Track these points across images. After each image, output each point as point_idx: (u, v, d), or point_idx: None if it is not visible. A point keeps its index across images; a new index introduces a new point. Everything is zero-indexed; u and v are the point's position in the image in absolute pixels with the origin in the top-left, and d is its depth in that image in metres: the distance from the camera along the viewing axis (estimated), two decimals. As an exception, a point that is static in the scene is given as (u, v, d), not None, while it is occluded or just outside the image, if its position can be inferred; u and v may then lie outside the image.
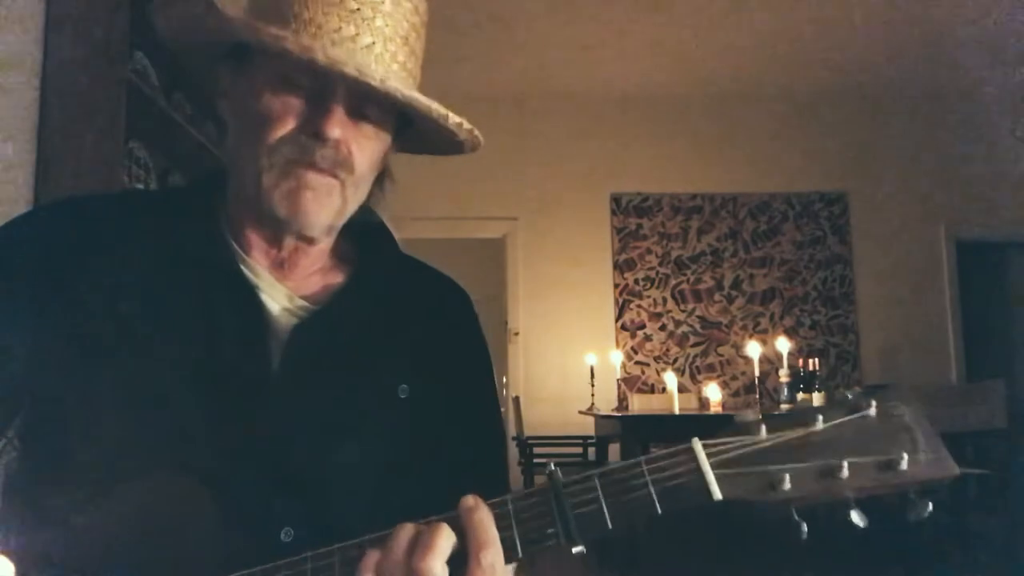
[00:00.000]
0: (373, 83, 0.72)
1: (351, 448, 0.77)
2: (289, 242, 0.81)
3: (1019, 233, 5.64)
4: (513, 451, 4.75)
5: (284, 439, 0.74)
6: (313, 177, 0.75)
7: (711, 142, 5.71)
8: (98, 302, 0.75)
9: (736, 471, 0.60)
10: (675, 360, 5.56)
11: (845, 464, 0.59)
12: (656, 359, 5.56)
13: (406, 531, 0.59)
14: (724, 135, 5.72)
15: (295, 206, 0.75)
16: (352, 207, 0.81)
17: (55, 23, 1.91)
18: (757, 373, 4.43)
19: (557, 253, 5.59)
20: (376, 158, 0.81)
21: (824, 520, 0.63)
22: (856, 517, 0.60)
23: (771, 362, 5.07)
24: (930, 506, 0.59)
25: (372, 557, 0.58)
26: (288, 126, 0.75)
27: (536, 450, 4.70)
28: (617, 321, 5.57)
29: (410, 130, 0.85)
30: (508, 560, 0.59)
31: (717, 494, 0.59)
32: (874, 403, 0.62)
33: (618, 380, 5.32)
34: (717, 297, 5.64)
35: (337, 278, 0.85)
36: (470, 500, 0.60)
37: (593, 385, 5.00)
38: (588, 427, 4.90)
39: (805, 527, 0.60)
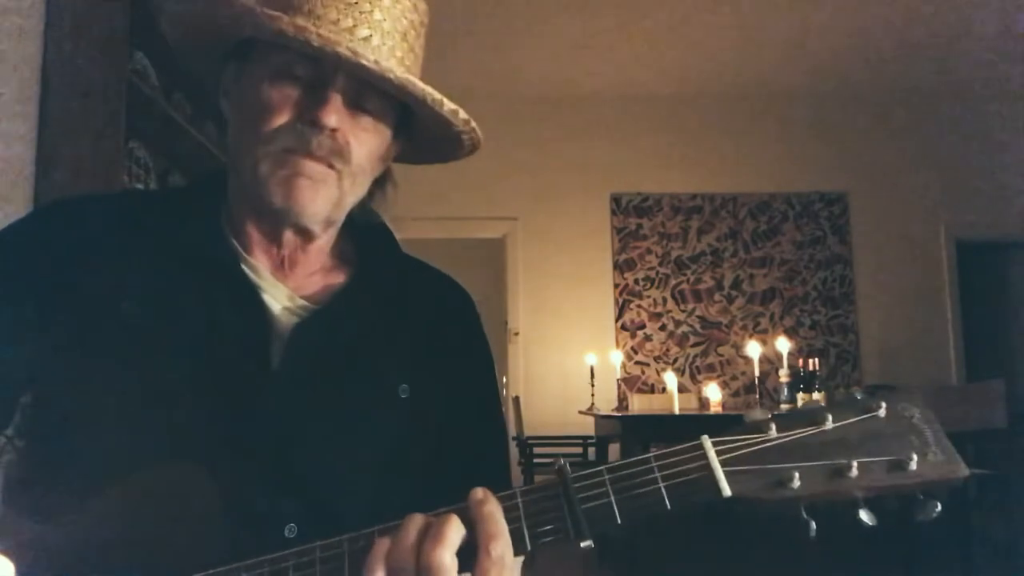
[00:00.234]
0: (366, 63, 0.72)
1: (352, 447, 0.77)
2: (288, 238, 0.81)
3: (1019, 233, 5.64)
4: (513, 451, 4.75)
5: (285, 438, 0.75)
6: (309, 165, 0.75)
7: (711, 142, 5.71)
8: (100, 302, 0.75)
9: (745, 468, 0.61)
10: (675, 360, 5.56)
11: (855, 464, 0.60)
12: (656, 359, 5.56)
13: (416, 521, 0.59)
14: (724, 135, 5.71)
15: (290, 195, 0.75)
16: (349, 201, 0.81)
17: (55, 23, 1.91)
18: (757, 373, 4.43)
19: (557, 253, 5.59)
20: (375, 153, 0.81)
21: (824, 519, 0.63)
22: (865, 516, 0.60)
23: (771, 362, 5.07)
24: (938, 507, 0.59)
25: (382, 547, 0.58)
26: (286, 116, 0.75)
27: (536, 450, 4.70)
28: (617, 321, 5.57)
29: (410, 130, 0.85)
30: (517, 552, 0.59)
31: (727, 491, 0.60)
32: (884, 404, 0.63)
33: (618, 380, 5.32)
34: (717, 297, 5.64)
35: (338, 278, 0.85)
36: (480, 493, 0.60)
37: (593, 385, 5.00)
38: (588, 427, 4.90)
39: (814, 525, 0.60)
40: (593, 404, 4.94)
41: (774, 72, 5.40)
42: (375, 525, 0.61)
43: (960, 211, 5.68)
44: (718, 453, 0.61)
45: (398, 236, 0.92)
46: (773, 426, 0.62)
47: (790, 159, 5.73)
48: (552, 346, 5.49)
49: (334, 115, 0.75)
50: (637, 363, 5.55)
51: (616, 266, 5.63)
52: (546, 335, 5.51)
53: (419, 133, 0.86)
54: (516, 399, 5.21)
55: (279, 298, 0.81)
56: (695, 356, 5.58)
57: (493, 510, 0.59)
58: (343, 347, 0.80)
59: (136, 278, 0.77)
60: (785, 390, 4.10)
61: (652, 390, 5.45)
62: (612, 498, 0.60)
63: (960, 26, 4.73)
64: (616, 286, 5.61)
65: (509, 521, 0.59)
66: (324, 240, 0.84)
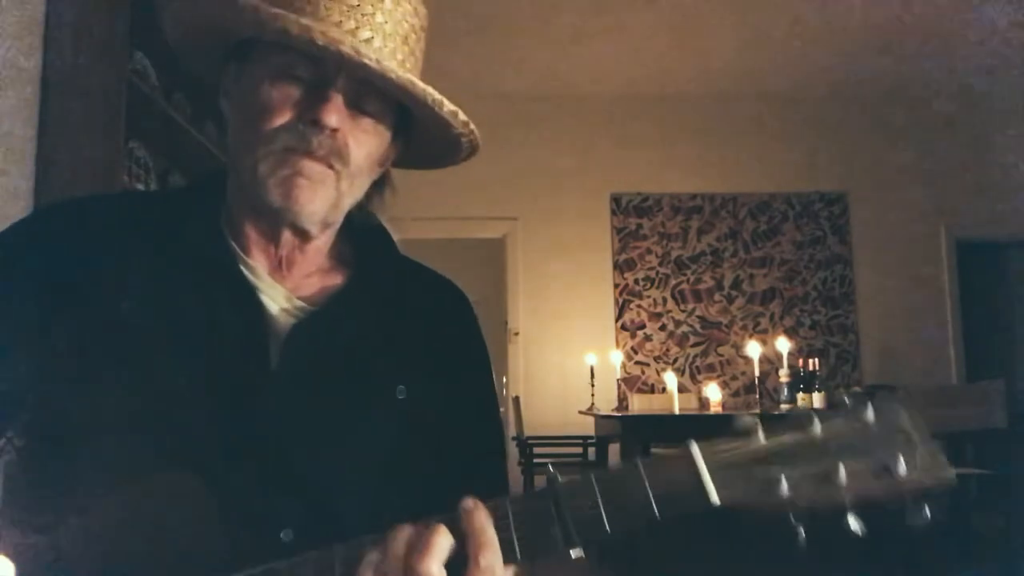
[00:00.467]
0: (368, 62, 0.72)
1: (349, 448, 0.77)
2: (286, 238, 0.81)
3: (1019, 233, 5.64)
4: (513, 451, 4.75)
5: (283, 439, 0.75)
6: (308, 165, 0.75)
7: (711, 142, 5.71)
8: (100, 303, 0.75)
9: (734, 475, 0.60)
10: (675, 360, 5.56)
11: (842, 469, 0.59)
12: (656, 359, 5.56)
13: (404, 532, 0.59)
14: (724, 135, 5.71)
15: (289, 194, 0.76)
16: (347, 202, 0.81)
17: (55, 23, 1.91)
18: (757, 373, 4.43)
19: (557, 253, 5.59)
20: (373, 155, 0.81)
21: (825, 520, 0.63)
22: (853, 524, 0.59)
23: (771, 362, 5.07)
24: (928, 511, 0.59)
25: (371, 558, 0.58)
26: (286, 115, 0.75)
27: (536, 450, 4.70)
28: (617, 321, 5.57)
29: (408, 134, 0.85)
30: (506, 562, 0.59)
31: (715, 499, 0.59)
32: (871, 407, 0.62)
33: (618, 380, 5.31)
34: (717, 297, 5.64)
35: (335, 279, 0.85)
36: (469, 502, 0.60)
37: (593, 385, 5.00)
38: (588, 427, 4.89)
39: (803, 531, 0.60)
40: (593, 404, 4.94)
41: (774, 72, 5.40)
42: (373, 526, 0.61)
43: (960, 211, 5.68)
44: (706, 459, 0.60)
45: (398, 236, 0.92)
46: (761, 432, 0.62)
47: (790, 159, 5.73)
48: (552, 346, 5.49)
49: (335, 115, 0.75)
50: (637, 363, 5.54)
51: (616, 266, 5.63)
52: (546, 335, 5.51)
53: (418, 137, 0.86)
54: (516, 399, 5.21)
55: (277, 299, 0.81)
56: (695, 356, 5.58)
57: (482, 519, 0.59)
58: (340, 348, 0.80)
59: (136, 279, 0.77)
60: (785, 390, 4.11)
61: (652, 390, 5.44)
62: (601, 508, 0.59)
63: (961, 26, 4.73)
64: (616, 286, 5.61)
65: (499, 530, 0.59)
66: (322, 241, 0.84)
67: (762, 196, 5.72)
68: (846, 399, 0.63)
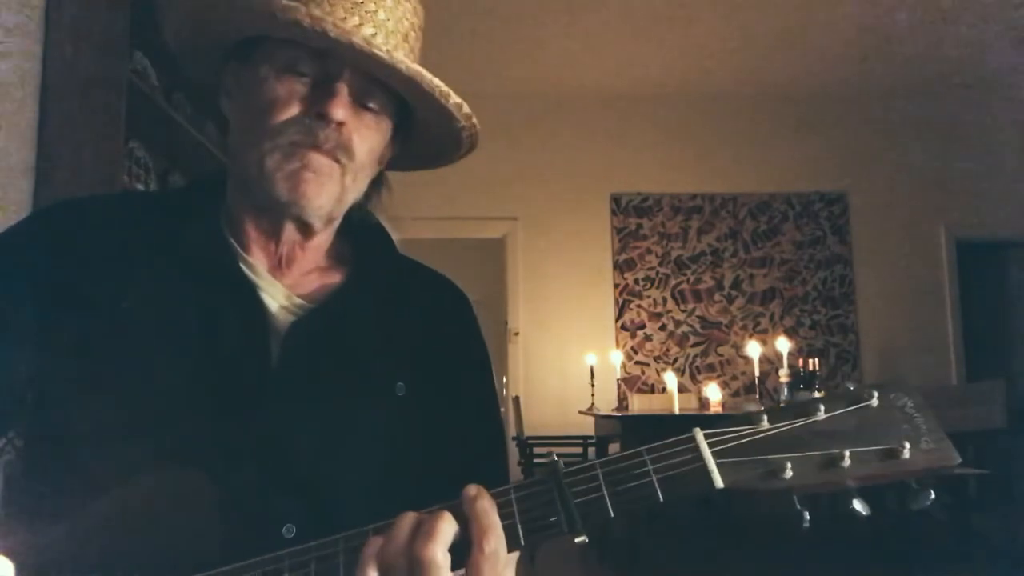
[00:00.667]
0: (380, 54, 0.73)
1: (349, 445, 0.77)
2: (288, 234, 0.81)
3: (1019, 233, 5.64)
4: (513, 451, 4.75)
5: (283, 436, 0.75)
6: (316, 158, 0.76)
7: (711, 142, 5.71)
8: (100, 302, 0.76)
9: (738, 460, 0.61)
10: (675, 360, 5.56)
11: (847, 453, 0.60)
12: (656, 359, 5.56)
13: (408, 519, 0.59)
14: (724, 135, 5.72)
15: (296, 187, 0.76)
16: (350, 198, 0.81)
17: (55, 23, 1.91)
18: (757, 373, 4.43)
19: (557, 253, 5.59)
20: (376, 150, 0.82)
21: (825, 521, 0.63)
22: (858, 506, 0.60)
23: (771, 362, 5.07)
24: (932, 495, 0.59)
25: (374, 544, 0.59)
26: (293, 110, 0.76)
27: (536, 450, 4.70)
28: (617, 321, 5.58)
29: (407, 132, 0.85)
30: (511, 548, 0.59)
31: (719, 482, 0.60)
32: (876, 393, 0.63)
33: (618, 380, 5.32)
34: (717, 297, 5.64)
35: (334, 278, 0.86)
36: (472, 489, 0.60)
37: (593, 385, 5.00)
38: (588, 427, 4.90)
39: (807, 516, 0.60)
40: (593, 404, 4.94)
41: (774, 72, 5.40)
42: (374, 522, 0.61)
43: (960, 211, 5.68)
44: (710, 445, 0.61)
45: (398, 236, 0.92)
46: (765, 418, 0.62)
47: (790, 159, 5.73)
48: (552, 346, 5.49)
49: (341, 109, 0.76)
50: (637, 363, 5.55)
51: (616, 266, 5.63)
52: (546, 335, 5.51)
53: (417, 135, 0.86)
54: (516, 399, 5.21)
55: (276, 296, 0.81)
56: (695, 356, 5.58)
57: (486, 505, 0.59)
58: (340, 345, 0.80)
59: (136, 278, 0.77)
60: (785, 390, 4.11)
61: (652, 390, 5.45)
62: (605, 492, 0.60)
63: (960, 25, 4.73)
64: (616, 286, 5.61)
65: (502, 516, 0.59)
66: (322, 238, 0.85)
67: (762, 196, 5.72)
68: (850, 387, 0.64)
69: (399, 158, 0.89)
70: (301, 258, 0.84)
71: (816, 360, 4.14)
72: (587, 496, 0.60)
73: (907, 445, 0.60)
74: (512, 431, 4.94)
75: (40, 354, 0.75)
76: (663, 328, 5.59)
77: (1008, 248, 5.85)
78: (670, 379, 4.68)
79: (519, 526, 0.60)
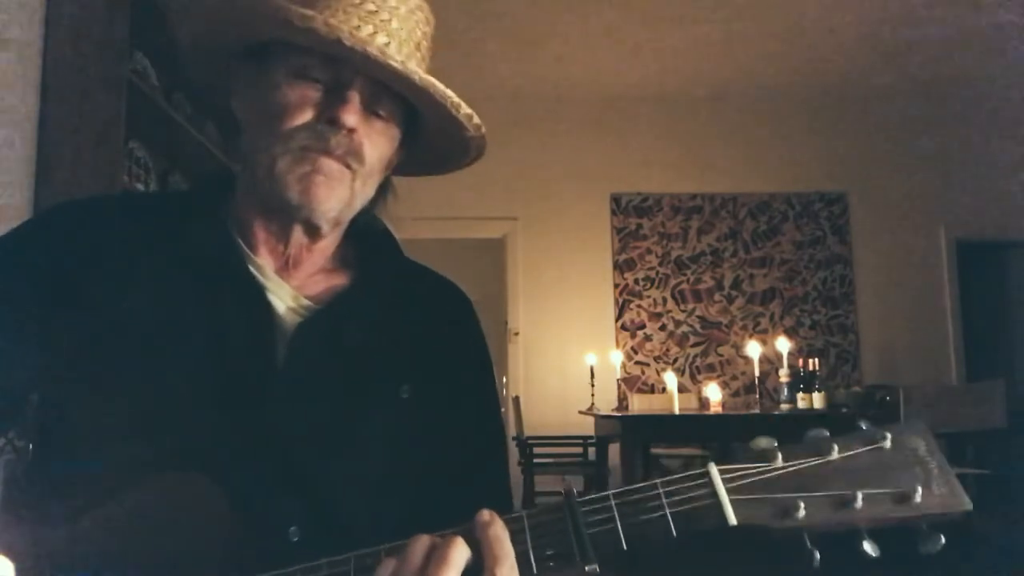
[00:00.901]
0: (395, 64, 0.74)
1: (354, 447, 0.77)
2: (296, 236, 0.82)
3: (1019, 233, 5.64)
4: (513, 451, 4.75)
5: (290, 437, 0.75)
6: (327, 163, 0.77)
7: (711, 142, 5.71)
8: (105, 304, 0.76)
9: (751, 497, 0.61)
10: (675, 360, 5.56)
11: (860, 495, 0.60)
12: (656, 359, 5.56)
13: (421, 543, 0.59)
14: (724, 135, 5.72)
15: (307, 191, 0.77)
16: (359, 203, 0.82)
17: (55, 23, 1.91)
18: (757, 373, 4.43)
19: (557, 253, 5.59)
20: (385, 156, 0.82)
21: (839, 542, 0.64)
22: (868, 547, 0.60)
23: (771, 362, 5.07)
24: (942, 539, 0.60)
25: (387, 567, 0.59)
26: (306, 115, 0.77)
27: (536, 450, 4.70)
28: (617, 321, 5.57)
29: (414, 139, 0.86)
30: (522, 575, 0.59)
31: (732, 519, 0.60)
32: (889, 435, 0.63)
33: (618, 380, 5.31)
34: (717, 297, 5.64)
35: (340, 280, 0.86)
36: (486, 515, 0.60)
37: (593, 385, 5.00)
38: (588, 427, 4.89)
39: (817, 555, 0.60)
40: (593, 404, 4.94)
41: (774, 72, 5.40)
42: (378, 524, 0.61)
43: (960, 211, 5.68)
44: (725, 481, 0.61)
45: (399, 236, 0.93)
46: (779, 455, 0.63)
47: (790, 159, 5.73)
48: (552, 346, 5.49)
49: (353, 115, 0.77)
50: (637, 363, 5.55)
51: (616, 266, 5.63)
52: (546, 335, 5.51)
53: (424, 142, 0.87)
54: (516, 399, 5.21)
55: (283, 298, 0.81)
56: (695, 356, 5.58)
57: (499, 532, 0.59)
58: (345, 347, 0.81)
59: (141, 278, 0.78)
60: (785, 390, 4.11)
61: (652, 390, 5.45)
62: (618, 523, 0.60)
63: (960, 25, 4.73)
64: (616, 286, 5.61)
65: (515, 544, 0.59)
66: (329, 241, 0.85)
67: (762, 196, 5.72)
68: (863, 426, 0.64)
69: (406, 163, 0.89)
70: (307, 260, 0.84)
71: (816, 360, 4.14)
72: (600, 527, 0.60)
73: (919, 489, 0.60)
74: (512, 431, 4.94)
75: (44, 355, 0.75)
76: (663, 328, 5.59)
77: (1008, 248, 5.85)
78: (670, 379, 4.68)
79: (531, 553, 0.60)
